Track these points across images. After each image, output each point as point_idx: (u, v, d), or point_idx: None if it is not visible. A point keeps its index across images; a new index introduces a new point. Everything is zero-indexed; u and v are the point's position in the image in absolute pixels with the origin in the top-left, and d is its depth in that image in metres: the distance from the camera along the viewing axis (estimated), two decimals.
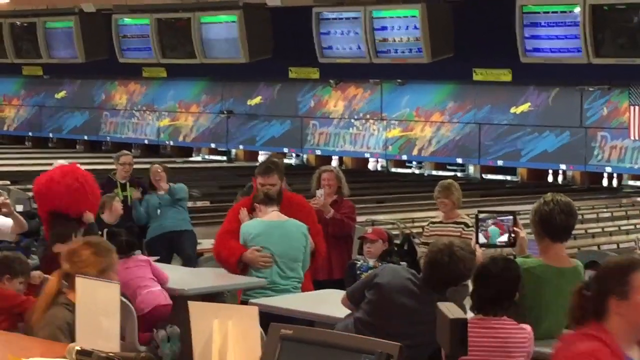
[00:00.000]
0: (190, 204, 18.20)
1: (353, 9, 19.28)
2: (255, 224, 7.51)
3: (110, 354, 4.12)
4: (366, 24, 19.05)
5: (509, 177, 22.19)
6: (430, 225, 8.97)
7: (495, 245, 5.69)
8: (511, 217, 5.64)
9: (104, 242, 4.70)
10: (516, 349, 4.84)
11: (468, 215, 9.06)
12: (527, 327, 4.91)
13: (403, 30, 18.75)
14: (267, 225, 7.46)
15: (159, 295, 7.38)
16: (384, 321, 5.11)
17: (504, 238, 5.60)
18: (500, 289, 4.93)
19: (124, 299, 6.56)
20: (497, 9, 17.95)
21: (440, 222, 8.92)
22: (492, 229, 5.63)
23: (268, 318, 4.22)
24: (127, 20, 22.84)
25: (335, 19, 19.49)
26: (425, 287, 5.26)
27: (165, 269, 8.13)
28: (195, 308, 4.12)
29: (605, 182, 21.33)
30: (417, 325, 5.09)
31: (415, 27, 18.52)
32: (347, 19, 19.35)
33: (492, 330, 4.85)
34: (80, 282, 4.84)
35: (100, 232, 9.64)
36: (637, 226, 15.64)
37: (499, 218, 5.66)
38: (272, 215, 7.51)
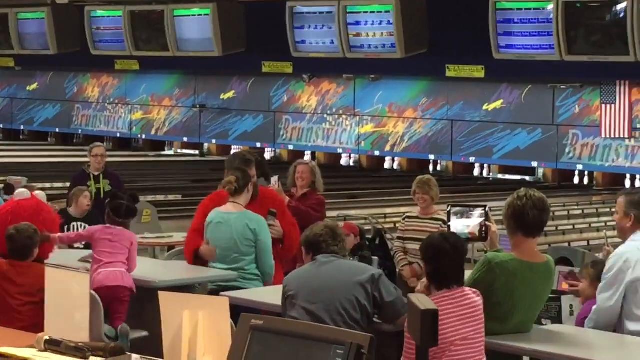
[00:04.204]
0: (161, 197, 18.26)
1: (327, 4, 19.27)
2: (211, 214, 7.51)
3: (80, 344, 4.11)
4: (340, 19, 19.04)
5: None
6: (407, 220, 8.91)
7: (467, 240, 5.67)
8: (483, 210, 5.63)
9: None
10: (480, 314, 5.06)
11: (443, 211, 9.04)
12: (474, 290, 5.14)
13: (377, 25, 18.74)
14: (217, 216, 7.48)
15: (118, 275, 7.27)
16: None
17: (469, 222, 5.60)
18: (457, 262, 5.15)
19: (91, 292, 6.51)
20: (471, 5, 17.96)
21: (417, 217, 8.85)
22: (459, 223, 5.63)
23: (238, 310, 4.21)
24: (100, 12, 22.72)
25: (309, 13, 19.47)
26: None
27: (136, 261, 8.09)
28: (165, 298, 4.10)
29: (576, 180, 21.43)
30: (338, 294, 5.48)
31: (389, 23, 18.52)
32: (321, 13, 19.33)
33: (459, 299, 5.04)
34: (50, 272, 4.81)
35: (67, 226, 9.62)
36: (608, 223, 15.71)
37: (471, 212, 5.65)
38: (227, 206, 7.48)
